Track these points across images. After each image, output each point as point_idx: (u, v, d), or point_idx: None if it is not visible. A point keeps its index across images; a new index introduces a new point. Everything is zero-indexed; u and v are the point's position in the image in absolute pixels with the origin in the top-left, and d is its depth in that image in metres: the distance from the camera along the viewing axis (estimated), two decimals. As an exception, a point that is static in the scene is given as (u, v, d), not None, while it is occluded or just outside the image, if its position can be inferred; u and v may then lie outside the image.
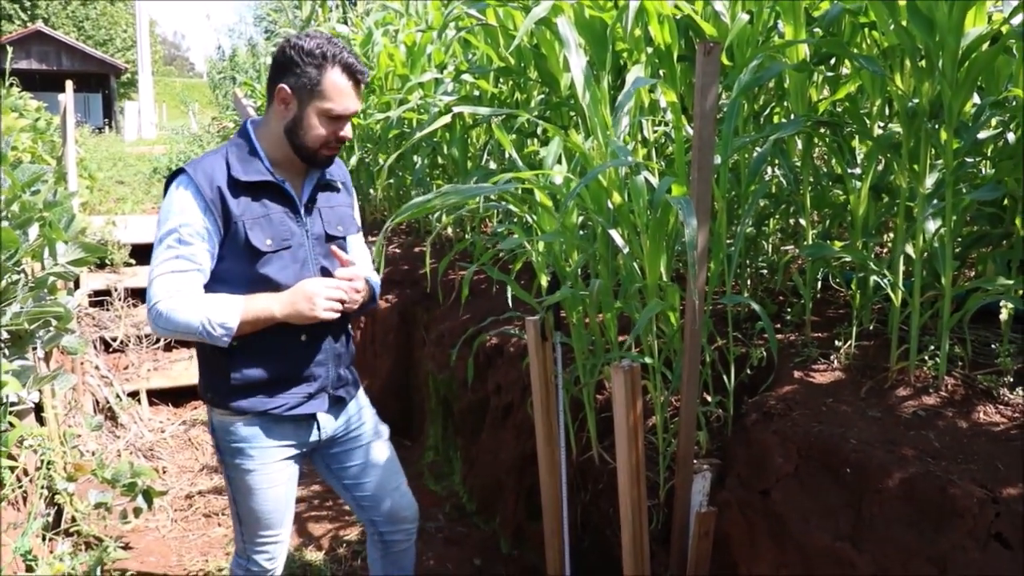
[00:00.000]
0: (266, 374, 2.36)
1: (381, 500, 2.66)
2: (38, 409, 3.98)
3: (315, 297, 2.25)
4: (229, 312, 2.20)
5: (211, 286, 2.29)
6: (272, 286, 2.31)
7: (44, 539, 3.52)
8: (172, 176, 2.32)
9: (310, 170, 2.44)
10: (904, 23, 2.25)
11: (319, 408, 2.46)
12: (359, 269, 2.44)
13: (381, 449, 2.68)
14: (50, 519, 3.72)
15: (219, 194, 2.25)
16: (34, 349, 3.39)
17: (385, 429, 2.73)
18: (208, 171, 2.27)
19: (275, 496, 2.47)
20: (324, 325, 2.39)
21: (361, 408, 2.66)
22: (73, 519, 3.89)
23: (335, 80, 2.24)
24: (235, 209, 2.26)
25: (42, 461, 3.72)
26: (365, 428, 2.64)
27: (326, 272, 2.44)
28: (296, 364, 2.41)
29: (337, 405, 2.54)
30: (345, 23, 8.21)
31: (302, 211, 2.39)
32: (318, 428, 2.50)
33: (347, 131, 2.32)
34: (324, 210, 2.46)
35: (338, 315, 2.33)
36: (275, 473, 2.45)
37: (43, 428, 3.88)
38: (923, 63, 2.28)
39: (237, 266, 2.30)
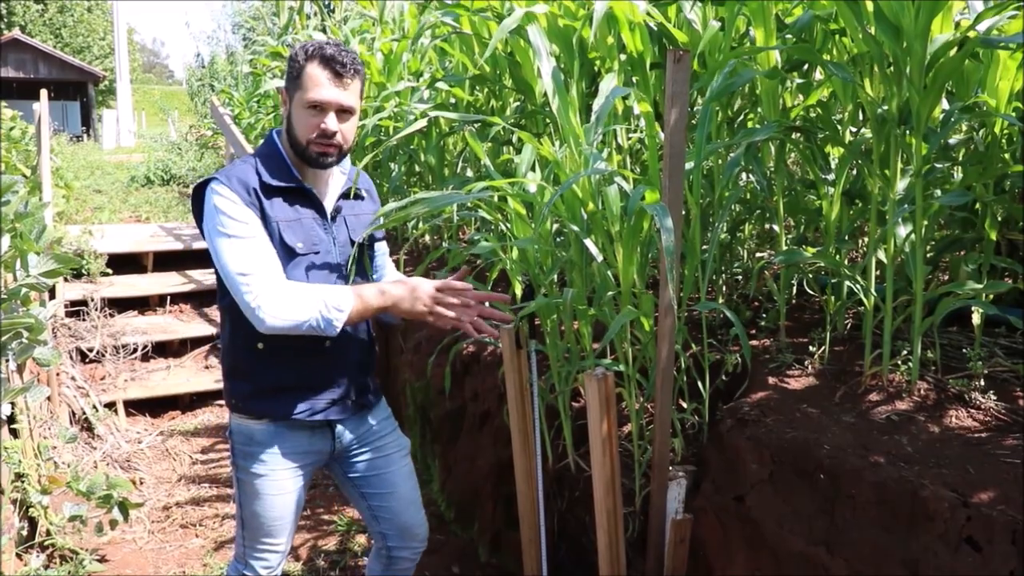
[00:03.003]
0: (291, 379, 2.38)
1: (398, 513, 2.65)
2: (11, 421, 3.94)
3: (427, 301, 2.28)
4: (342, 299, 2.22)
5: None
6: None
7: (17, 553, 3.48)
8: (202, 185, 2.34)
9: (334, 179, 2.49)
10: (871, 30, 2.26)
11: (341, 415, 2.47)
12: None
13: (403, 461, 2.68)
14: (23, 532, 3.68)
15: (255, 196, 2.28)
16: (6, 361, 3.36)
17: (407, 441, 2.73)
18: (241, 176, 2.30)
19: (282, 504, 2.47)
20: (350, 332, 2.42)
21: (384, 418, 2.66)
22: (48, 532, 3.85)
23: (311, 71, 2.26)
24: (270, 211, 2.30)
25: (15, 474, 3.69)
26: (388, 438, 2.64)
27: (351, 279, 2.45)
28: (321, 370, 2.42)
29: (358, 413, 2.54)
30: (323, 31, 8.19)
31: (328, 217, 2.42)
32: (334, 437, 2.50)
33: (330, 124, 2.29)
34: (349, 218, 2.49)
35: (447, 322, 2.33)
36: (285, 481, 2.45)
37: (16, 440, 3.84)
38: (891, 70, 2.29)
39: None
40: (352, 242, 2.47)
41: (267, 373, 2.37)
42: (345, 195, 2.50)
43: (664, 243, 2.00)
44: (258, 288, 2.18)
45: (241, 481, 2.47)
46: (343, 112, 2.31)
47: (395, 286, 2.30)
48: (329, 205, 2.45)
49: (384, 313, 2.32)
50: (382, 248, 2.69)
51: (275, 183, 2.32)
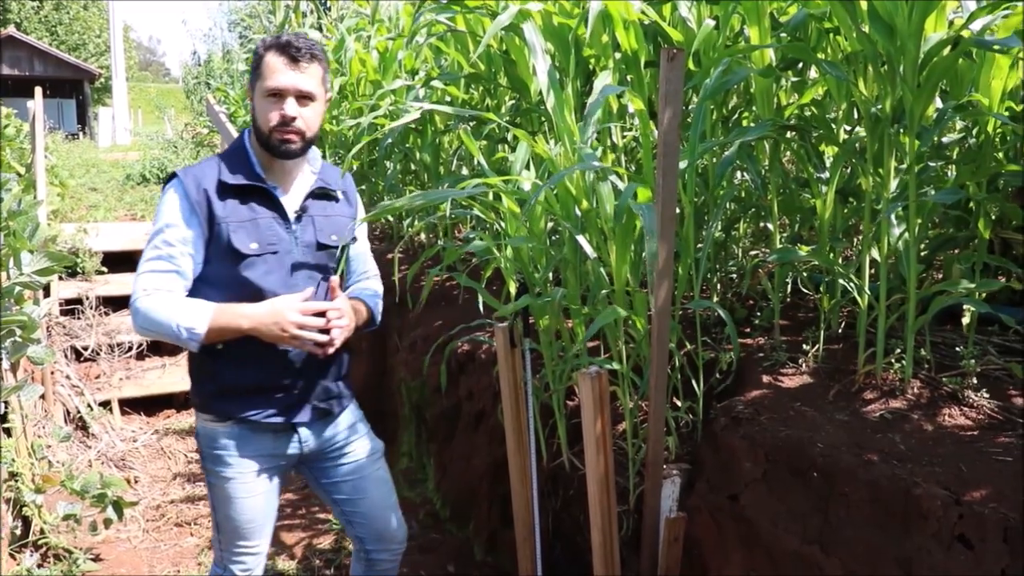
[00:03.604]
0: (248, 381, 2.37)
1: (372, 518, 2.64)
2: (4, 420, 3.93)
3: (286, 326, 2.23)
4: (198, 317, 2.21)
5: (197, 287, 2.33)
6: (255, 290, 2.31)
7: (10, 552, 3.48)
8: (167, 180, 2.38)
9: (303, 177, 2.48)
10: (865, 28, 2.26)
11: (300, 419, 2.44)
12: (343, 302, 2.39)
13: (375, 466, 2.65)
14: (17, 531, 3.68)
15: (205, 196, 2.30)
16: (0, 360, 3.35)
17: (380, 445, 2.71)
18: (198, 175, 2.33)
19: (253, 506, 2.45)
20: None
21: (354, 423, 2.63)
22: (41, 531, 3.84)
23: (268, 60, 2.29)
24: (219, 211, 2.30)
25: (9, 473, 3.68)
26: (358, 444, 2.62)
27: (315, 283, 2.43)
28: (278, 373, 2.40)
29: (322, 419, 2.52)
30: (319, 29, 8.19)
31: (291, 217, 2.40)
32: (299, 441, 2.48)
33: (289, 109, 2.29)
34: (318, 218, 2.46)
35: (304, 349, 2.30)
36: (253, 483, 2.44)
37: (10, 439, 3.83)
38: (884, 68, 2.30)
39: (221, 268, 2.33)
40: (319, 243, 2.45)
41: (227, 374, 2.36)
42: (316, 195, 2.48)
43: (647, 244, 2.00)
44: (138, 292, 2.25)
45: (211, 484, 2.47)
46: (303, 98, 2.32)
47: (259, 308, 2.26)
48: (293, 204, 2.43)
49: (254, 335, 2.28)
50: (358, 250, 2.65)
51: (233, 182, 2.33)
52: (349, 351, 2.59)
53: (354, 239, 2.58)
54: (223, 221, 2.30)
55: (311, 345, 2.27)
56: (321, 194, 2.49)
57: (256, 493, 2.45)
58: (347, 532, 2.75)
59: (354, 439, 2.61)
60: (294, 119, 2.30)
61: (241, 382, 2.37)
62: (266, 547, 2.57)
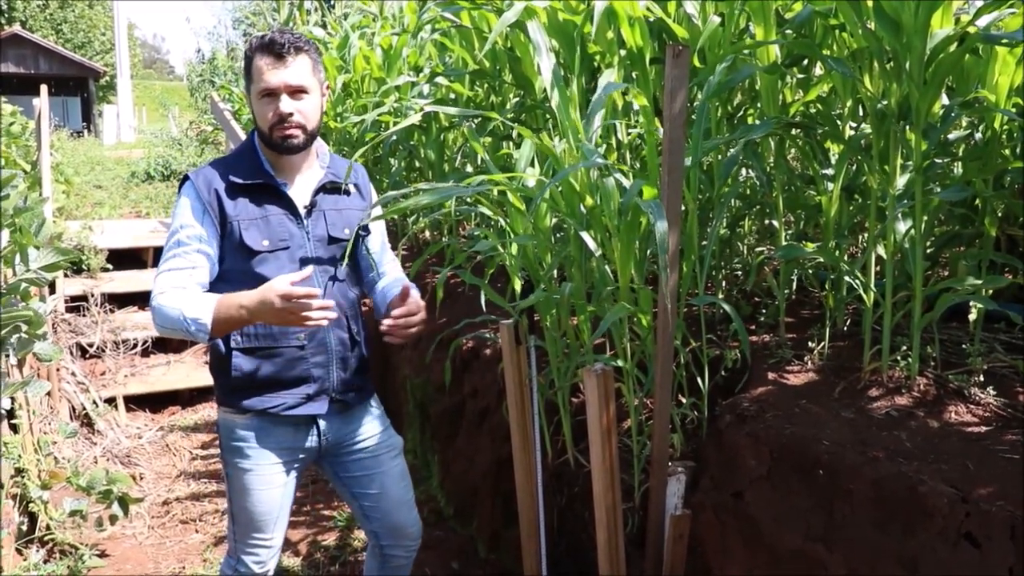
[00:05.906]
0: (264, 372, 2.41)
1: (388, 513, 2.65)
2: (11, 416, 3.95)
3: (275, 300, 2.12)
4: (203, 308, 2.22)
5: (215, 285, 2.37)
6: None
7: (17, 548, 3.49)
8: (181, 183, 2.45)
9: (312, 172, 2.51)
10: (871, 25, 2.26)
11: (318, 411, 2.47)
12: (415, 295, 2.42)
13: (393, 462, 2.67)
14: (23, 527, 3.69)
15: (216, 196, 2.35)
16: (6, 356, 3.36)
17: (399, 441, 2.73)
18: (208, 175, 2.38)
19: (269, 498, 2.48)
20: (331, 329, 2.45)
21: (374, 417, 2.65)
22: (48, 527, 3.86)
23: (256, 62, 2.33)
24: (230, 210, 2.35)
25: (15, 469, 3.70)
26: (377, 439, 2.63)
27: (328, 276, 2.46)
28: (295, 364, 2.43)
29: (341, 412, 2.54)
30: (323, 26, 8.19)
31: (302, 213, 2.44)
32: (318, 433, 2.51)
33: (283, 106, 2.32)
34: (329, 212, 2.49)
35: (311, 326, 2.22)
36: (271, 475, 2.46)
37: (16, 436, 3.84)
38: (890, 65, 2.29)
39: (236, 265, 2.37)
40: (331, 237, 2.47)
41: (245, 367, 2.40)
42: (327, 189, 2.51)
43: (659, 239, 2.00)
44: (155, 292, 2.29)
45: (229, 476, 2.50)
46: (295, 92, 2.34)
47: (253, 293, 2.19)
48: (303, 199, 2.46)
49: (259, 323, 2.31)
50: (378, 242, 2.67)
51: (241, 181, 2.38)
52: (368, 344, 2.60)
53: (367, 230, 2.60)
54: (234, 219, 2.34)
55: (318, 320, 2.16)
56: (331, 188, 2.52)
57: (273, 486, 2.48)
58: (363, 527, 2.76)
59: (374, 433, 2.63)
60: (291, 115, 2.33)
61: (257, 376, 2.40)
62: (280, 541, 2.59)
